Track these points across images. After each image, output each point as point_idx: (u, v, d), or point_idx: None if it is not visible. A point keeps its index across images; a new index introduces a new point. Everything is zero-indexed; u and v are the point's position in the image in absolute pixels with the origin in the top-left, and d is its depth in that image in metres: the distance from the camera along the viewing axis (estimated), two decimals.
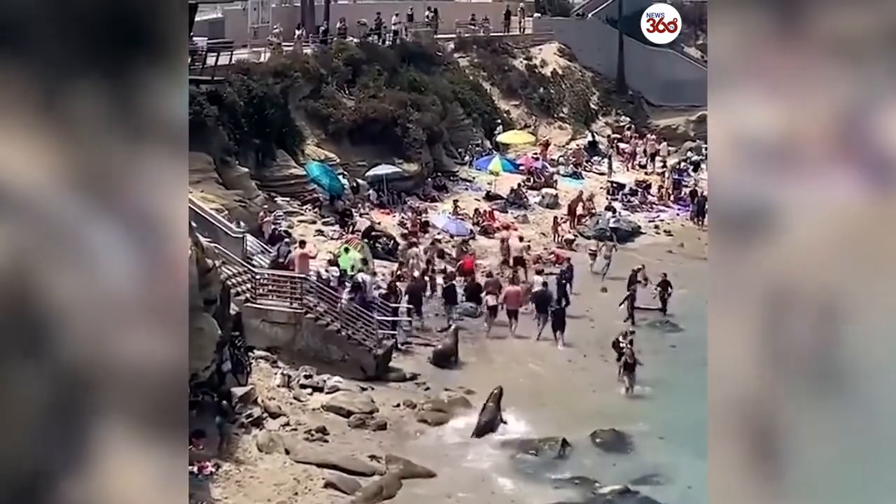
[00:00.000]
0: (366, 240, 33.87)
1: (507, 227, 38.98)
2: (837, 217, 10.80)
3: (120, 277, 9.80)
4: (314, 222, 35.64)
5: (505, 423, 24.52)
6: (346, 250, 30.55)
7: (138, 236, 9.90)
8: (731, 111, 11.07)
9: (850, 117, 10.84)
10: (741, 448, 10.71)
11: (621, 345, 27.26)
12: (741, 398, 10.72)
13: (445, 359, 27.99)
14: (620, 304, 31.78)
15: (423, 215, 38.63)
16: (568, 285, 31.89)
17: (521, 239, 36.69)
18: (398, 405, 24.89)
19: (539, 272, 33.28)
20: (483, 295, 31.06)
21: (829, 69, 10.79)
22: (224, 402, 22.06)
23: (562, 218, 40.91)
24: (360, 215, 36.98)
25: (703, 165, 50.88)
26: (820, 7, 10.88)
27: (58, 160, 9.74)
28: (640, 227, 42.13)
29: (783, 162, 10.84)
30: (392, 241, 35.18)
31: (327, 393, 24.77)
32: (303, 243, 29.78)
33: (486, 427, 24.15)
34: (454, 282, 31.46)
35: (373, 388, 25.52)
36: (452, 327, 29.12)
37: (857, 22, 10.81)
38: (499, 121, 50.18)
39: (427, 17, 52.99)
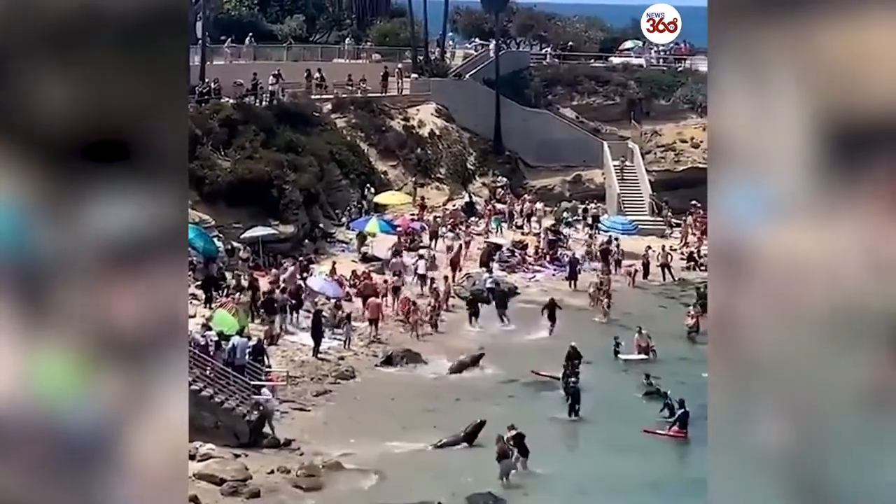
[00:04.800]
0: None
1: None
2: None
3: None
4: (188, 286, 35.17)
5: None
6: (220, 314, 30.22)
7: None
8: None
9: None
10: None
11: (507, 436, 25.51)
12: None
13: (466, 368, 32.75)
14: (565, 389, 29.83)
15: (300, 277, 38.27)
16: None
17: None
18: (272, 472, 24.56)
19: None
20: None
21: None
22: None
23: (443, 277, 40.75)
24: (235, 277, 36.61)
25: (578, 226, 51.69)
26: None
27: None
28: (516, 287, 42.32)
29: None
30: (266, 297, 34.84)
31: (199, 461, 24.28)
32: None
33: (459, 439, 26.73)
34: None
35: (246, 455, 25.15)
36: (478, 349, 33.58)
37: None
38: (368, 184, 49.75)
39: (315, 78, 53.23)
